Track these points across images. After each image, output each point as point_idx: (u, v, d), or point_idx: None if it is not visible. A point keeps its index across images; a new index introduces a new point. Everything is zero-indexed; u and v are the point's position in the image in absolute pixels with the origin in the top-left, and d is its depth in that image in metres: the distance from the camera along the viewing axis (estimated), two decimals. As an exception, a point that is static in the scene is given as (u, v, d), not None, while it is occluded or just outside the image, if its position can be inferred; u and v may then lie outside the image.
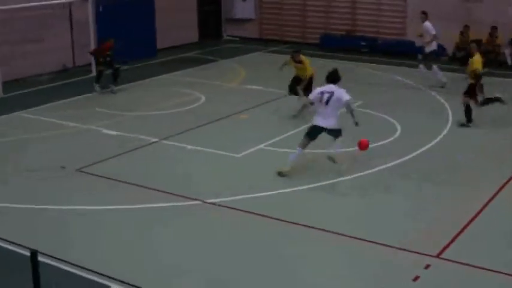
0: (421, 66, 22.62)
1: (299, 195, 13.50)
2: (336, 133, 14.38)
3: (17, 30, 23.41)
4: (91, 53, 22.75)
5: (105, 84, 21.77)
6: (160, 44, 28.43)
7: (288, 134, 17.01)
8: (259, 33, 31.97)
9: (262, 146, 16.26)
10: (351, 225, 11.95)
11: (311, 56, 24.71)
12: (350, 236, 11.51)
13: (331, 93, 14.14)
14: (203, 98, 20.82)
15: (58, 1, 24.08)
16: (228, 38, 32.37)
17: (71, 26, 25.25)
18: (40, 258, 7.53)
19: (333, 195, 13.51)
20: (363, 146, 14.31)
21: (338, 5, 29.46)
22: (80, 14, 24.99)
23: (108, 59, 21.55)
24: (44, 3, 23.50)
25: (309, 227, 11.88)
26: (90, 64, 24.51)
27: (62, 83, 23.06)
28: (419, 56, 23.35)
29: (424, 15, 22.82)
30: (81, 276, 10.13)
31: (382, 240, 11.32)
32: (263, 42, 30.91)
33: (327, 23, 29.85)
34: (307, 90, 17.79)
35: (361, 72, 24.83)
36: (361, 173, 14.47)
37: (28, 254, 7.41)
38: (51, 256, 10.45)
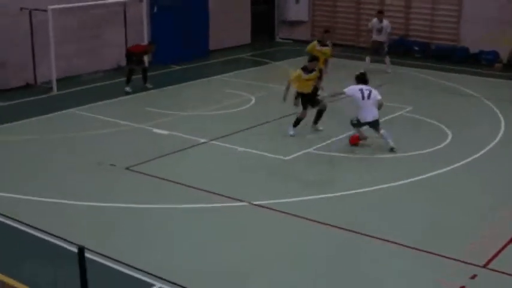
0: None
1: (347, 200, 13.46)
2: (377, 123, 16.22)
3: (73, 29, 23.74)
4: (127, 53, 22.66)
5: (137, 84, 22.12)
6: (212, 45, 28.57)
7: (338, 138, 16.98)
8: (312, 35, 31.86)
9: (310, 149, 16.24)
10: (397, 232, 11.86)
11: (364, 60, 24.62)
12: (394, 243, 11.43)
13: (370, 90, 16.23)
14: (253, 100, 20.87)
15: (113, 0, 24.37)
16: (281, 40, 32.37)
17: (125, 26, 25.51)
18: (87, 255, 7.63)
19: (381, 200, 13.42)
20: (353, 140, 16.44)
21: (392, 9, 29.19)
22: (134, 14, 25.25)
23: (141, 58, 22.01)
24: (99, 2, 23.85)
25: (355, 232, 11.84)
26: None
27: (115, 81, 23.28)
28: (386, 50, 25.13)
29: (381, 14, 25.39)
30: (126, 274, 10.25)
31: (428, 248, 11.23)
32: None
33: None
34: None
35: (413, 77, 24.62)
36: (409, 180, 14.35)
37: (75, 250, 7.51)
38: (98, 253, 10.59)
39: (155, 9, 26.10)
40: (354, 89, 16.30)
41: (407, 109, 19.67)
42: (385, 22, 24.92)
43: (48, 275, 10.24)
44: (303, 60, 27.24)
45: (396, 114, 19.18)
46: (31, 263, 10.68)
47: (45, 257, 10.96)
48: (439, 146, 16.52)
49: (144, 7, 24.84)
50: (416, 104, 20.12)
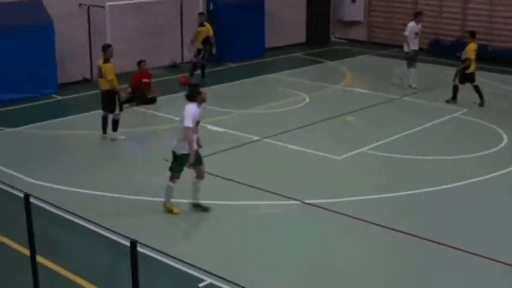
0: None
1: (403, 201, 13.38)
2: None
3: (134, 26, 24.01)
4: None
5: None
6: (268, 44, 28.64)
7: (392, 138, 16.91)
8: (368, 36, 31.74)
9: (364, 149, 16.19)
10: (453, 235, 11.74)
11: (421, 61, 24.31)
12: (454, 247, 11.36)
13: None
14: (307, 99, 20.88)
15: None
16: (336, 40, 32.28)
17: (181, 24, 25.70)
18: (141, 249, 7.74)
19: (432, 202, 13.31)
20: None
21: (450, 10, 28.90)
22: (191, 11, 25.43)
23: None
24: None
25: (405, 233, 11.79)
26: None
27: (171, 78, 23.49)
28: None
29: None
30: (175, 268, 10.33)
31: (496, 256, 11.01)
32: (371, 45, 30.67)
33: (438, 28, 29.31)
34: None
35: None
36: (465, 181, 14.21)
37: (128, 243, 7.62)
38: (152, 248, 10.71)
39: (211, 7, 26.24)
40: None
41: (463, 111, 19.48)
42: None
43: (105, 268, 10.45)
44: (358, 60, 27.34)
45: (451, 116, 19.02)
46: (87, 256, 10.92)
47: (100, 249, 11.21)
48: (495, 149, 16.31)
49: (201, 5, 24.98)
50: (472, 106, 19.90)
